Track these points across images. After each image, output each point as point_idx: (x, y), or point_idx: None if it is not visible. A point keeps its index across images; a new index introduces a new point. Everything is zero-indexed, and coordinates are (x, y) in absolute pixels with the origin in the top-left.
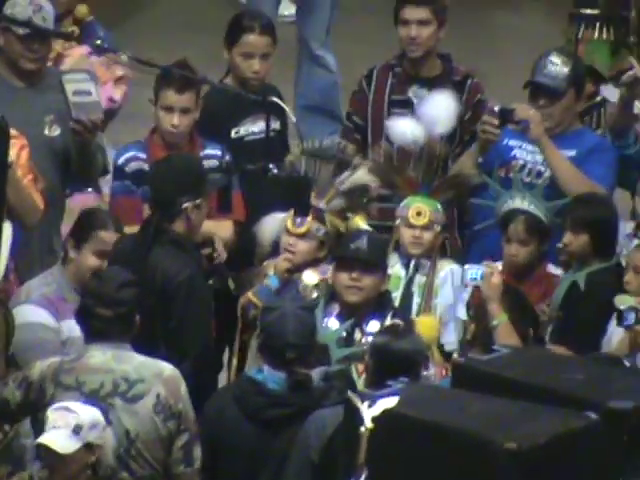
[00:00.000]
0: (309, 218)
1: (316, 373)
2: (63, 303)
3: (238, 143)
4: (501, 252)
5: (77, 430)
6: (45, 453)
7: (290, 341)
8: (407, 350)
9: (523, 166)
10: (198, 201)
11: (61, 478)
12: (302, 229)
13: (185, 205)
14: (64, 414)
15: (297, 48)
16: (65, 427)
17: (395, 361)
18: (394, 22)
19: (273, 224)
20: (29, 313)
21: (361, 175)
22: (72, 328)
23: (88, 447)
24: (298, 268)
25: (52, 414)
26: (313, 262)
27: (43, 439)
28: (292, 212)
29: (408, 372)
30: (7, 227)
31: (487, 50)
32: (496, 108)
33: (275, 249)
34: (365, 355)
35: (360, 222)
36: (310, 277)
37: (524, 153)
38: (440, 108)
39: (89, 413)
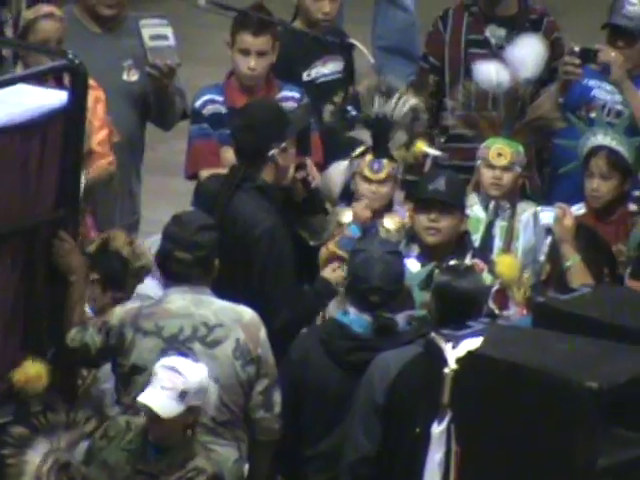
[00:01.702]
0: (385, 161)
1: (401, 317)
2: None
3: (310, 86)
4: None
5: (183, 395)
6: (146, 409)
7: (375, 285)
8: (467, 290)
9: (603, 106)
10: (284, 145)
11: (157, 434)
12: (382, 174)
13: (272, 152)
14: (173, 376)
15: None
16: (172, 389)
17: (456, 300)
18: None
19: (340, 171)
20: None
21: (409, 100)
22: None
23: (189, 410)
24: (375, 212)
25: (161, 372)
26: (389, 203)
27: (146, 398)
28: (367, 158)
29: (469, 312)
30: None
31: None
32: (577, 48)
33: (342, 195)
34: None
35: (423, 147)
36: (390, 222)
37: (603, 93)
38: (529, 53)
39: (198, 377)
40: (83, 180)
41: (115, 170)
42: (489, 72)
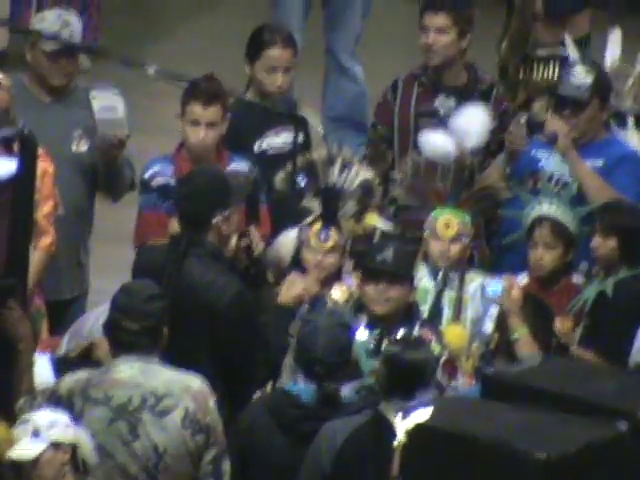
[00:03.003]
0: (332, 231)
1: (348, 387)
2: None
3: (261, 157)
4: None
5: (36, 433)
6: (20, 469)
7: (319, 356)
8: (417, 360)
9: (550, 177)
10: (227, 213)
11: None
12: (329, 243)
13: (215, 220)
14: (22, 427)
15: (325, 60)
16: (24, 436)
17: (405, 371)
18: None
19: (290, 239)
20: None
21: (362, 172)
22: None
23: (56, 447)
24: (323, 282)
25: (15, 433)
26: (338, 272)
27: (10, 456)
28: (315, 227)
29: (418, 382)
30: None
31: None
32: (523, 119)
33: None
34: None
35: (374, 220)
36: (338, 292)
37: (551, 164)
38: (473, 122)
39: (45, 415)
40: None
41: (55, 250)
42: (436, 142)
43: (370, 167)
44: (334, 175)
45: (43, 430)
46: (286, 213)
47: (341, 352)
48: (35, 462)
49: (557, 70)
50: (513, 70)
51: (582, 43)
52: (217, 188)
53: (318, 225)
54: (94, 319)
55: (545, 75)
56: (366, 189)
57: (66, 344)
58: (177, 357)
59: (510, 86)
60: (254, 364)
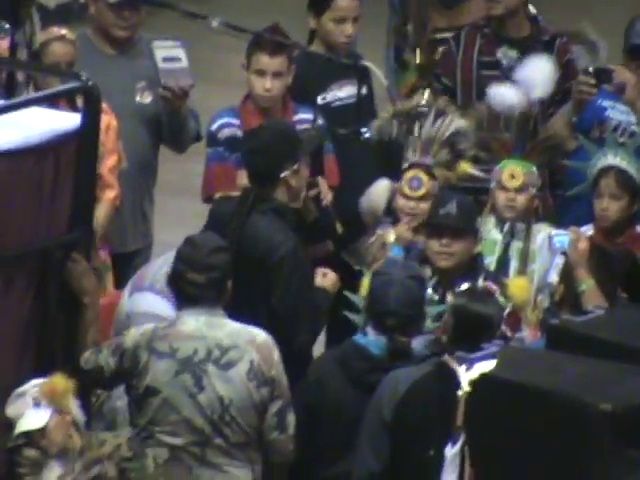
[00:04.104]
0: (423, 177)
1: (418, 341)
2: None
3: (325, 109)
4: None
5: (37, 403)
6: (32, 438)
7: (391, 309)
8: (483, 312)
9: (617, 126)
10: (296, 166)
11: (58, 448)
12: (421, 191)
13: (284, 174)
14: (21, 401)
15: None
16: (26, 408)
17: (470, 322)
18: None
19: (383, 190)
20: (148, 303)
21: (456, 121)
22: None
23: (59, 412)
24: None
25: (13, 409)
26: None
27: (20, 429)
28: (407, 175)
29: (484, 334)
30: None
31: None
32: (591, 68)
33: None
34: (446, 316)
35: (467, 168)
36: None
37: (617, 113)
38: (539, 73)
39: (37, 386)
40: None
41: (120, 203)
42: (501, 95)
43: (464, 116)
44: (428, 122)
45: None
46: (355, 166)
47: (414, 305)
48: (43, 430)
49: None
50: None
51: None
52: (285, 142)
53: (410, 173)
54: (157, 267)
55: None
56: (459, 137)
57: (128, 295)
58: (237, 309)
59: (419, 69)
60: (295, 325)
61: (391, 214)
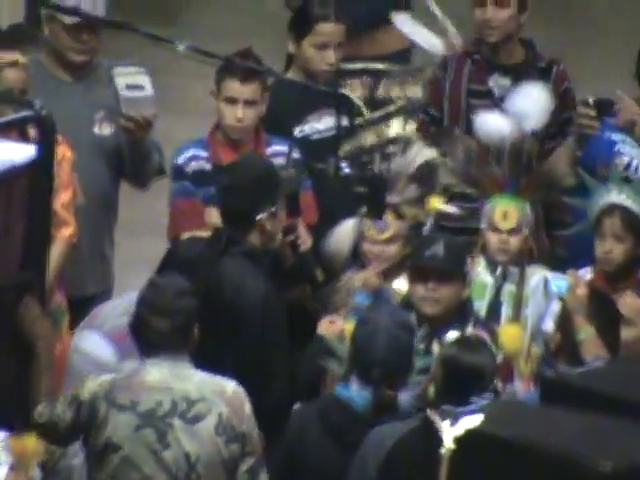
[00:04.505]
0: (390, 218)
1: (406, 395)
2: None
3: (303, 142)
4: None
5: None
6: None
7: (378, 359)
8: (476, 364)
9: (629, 163)
10: (273, 209)
11: None
12: (388, 234)
13: (260, 217)
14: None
15: None
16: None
17: (461, 375)
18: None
19: (347, 231)
20: (91, 344)
21: (424, 152)
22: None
23: (15, 469)
24: (386, 275)
25: None
26: (401, 264)
27: None
28: (368, 217)
29: (475, 387)
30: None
31: (582, 37)
32: (591, 100)
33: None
34: (435, 367)
35: (437, 204)
36: (403, 284)
37: (628, 147)
38: (531, 102)
39: None
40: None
41: (76, 241)
42: (491, 125)
43: (431, 147)
44: (396, 157)
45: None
46: (334, 203)
47: (402, 356)
48: None
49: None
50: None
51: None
52: (264, 182)
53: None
54: (112, 307)
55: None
56: (428, 171)
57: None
58: (204, 360)
59: None
60: (269, 376)
61: (358, 257)
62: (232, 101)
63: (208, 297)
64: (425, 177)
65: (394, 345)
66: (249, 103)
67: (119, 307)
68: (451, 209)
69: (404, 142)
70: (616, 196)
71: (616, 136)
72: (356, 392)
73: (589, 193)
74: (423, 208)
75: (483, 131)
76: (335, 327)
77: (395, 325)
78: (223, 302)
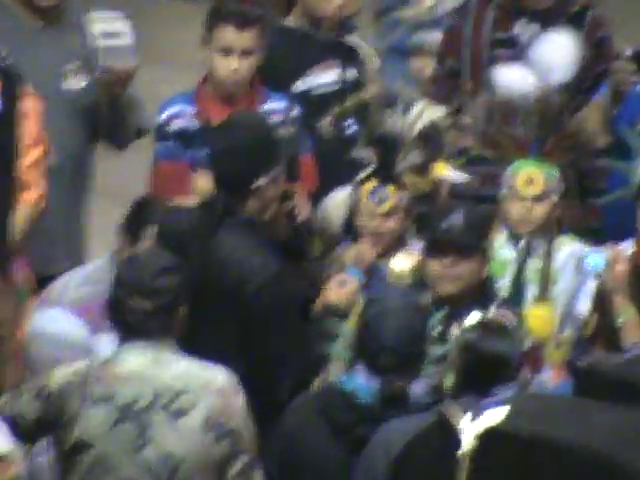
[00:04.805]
0: (388, 189)
1: (418, 385)
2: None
3: (303, 98)
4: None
5: None
6: None
7: (387, 345)
8: (500, 351)
9: None
10: (273, 173)
11: None
12: (386, 206)
13: (258, 183)
14: None
15: None
16: None
17: (483, 363)
18: None
19: (340, 201)
20: (53, 320)
21: (429, 111)
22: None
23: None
24: (383, 251)
25: None
26: (400, 239)
27: None
28: (368, 186)
29: (499, 377)
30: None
31: None
32: (628, 52)
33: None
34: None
35: (443, 170)
36: (402, 262)
37: None
38: (558, 52)
39: None
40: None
41: (45, 206)
42: (512, 79)
43: (438, 105)
44: (394, 118)
45: None
46: (334, 168)
47: (414, 341)
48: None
49: None
50: None
51: None
52: (262, 143)
53: (372, 183)
54: (65, 281)
55: None
56: (433, 133)
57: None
58: (201, 347)
59: None
60: (279, 370)
61: (351, 231)
62: (227, 51)
63: (205, 275)
64: (430, 140)
65: (405, 329)
66: (246, 53)
67: (77, 277)
68: (459, 176)
69: (405, 99)
70: None
71: None
72: (362, 383)
73: (630, 154)
74: (425, 176)
75: (504, 86)
76: (347, 289)
77: (406, 307)
78: (225, 280)
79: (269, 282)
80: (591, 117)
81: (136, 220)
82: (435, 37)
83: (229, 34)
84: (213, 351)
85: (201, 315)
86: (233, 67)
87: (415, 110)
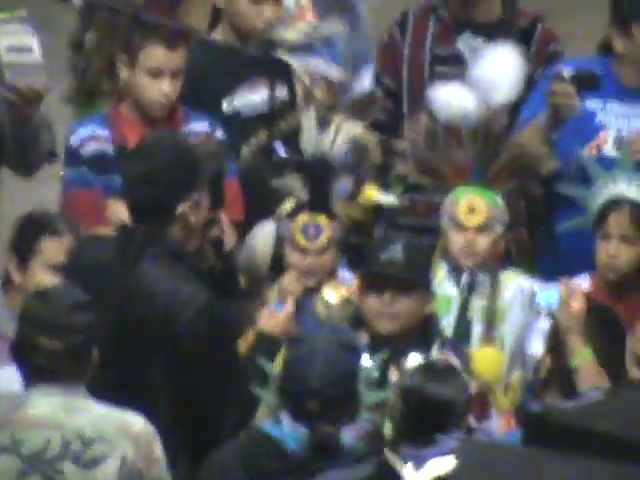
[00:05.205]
0: (323, 222)
1: (349, 432)
2: (1, 342)
3: (231, 119)
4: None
5: None
6: None
7: (313, 388)
8: (441, 396)
9: (617, 138)
10: (196, 197)
11: None
12: (320, 241)
13: (181, 209)
14: None
15: None
16: None
17: (426, 410)
18: None
19: (267, 235)
20: None
21: (348, 129)
22: (11, 378)
23: None
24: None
25: None
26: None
27: None
28: (300, 219)
29: (444, 424)
30: None
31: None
32: (565, 73)
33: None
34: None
35: (373, 194)
36: (332, 295)
37: (610, 117)
38: (501, 69)
39: None
40: None
41: None
42: (452, 98)
43: (356, 119)
44: (319, 138)
45: None
46: (259, 197)
47: (344, 383)
48: None
49: None
50: None
51: None
52: (183, 164)
53: (304, 217)
54: None
55: None
56: (359, 152)
57: None
58: (119, 392)
59: None
60: (223, 404)
61: (276, 266)
62: (156, 73)
63: (126, 311)
64: (355, 162)
65: (334, 370)
66: (176, 74)
67: None
68: (390, 200)
69: (321, 115)
70: (625, 188)
71: (592, 104)
72: (288, 430)
73: (582, 181)
74: (355, 201)
75: (444, 106)
76: (278, 317)
77: (335, 345)
78: (150, 315)
79: (201, 312)
80: (531, 140)
81: (23, 241)
82: (308, 63)
83: (159, 54)
84: (137, 393)
85: (117, 356)
86: (165, 90)
87: (332, 126)
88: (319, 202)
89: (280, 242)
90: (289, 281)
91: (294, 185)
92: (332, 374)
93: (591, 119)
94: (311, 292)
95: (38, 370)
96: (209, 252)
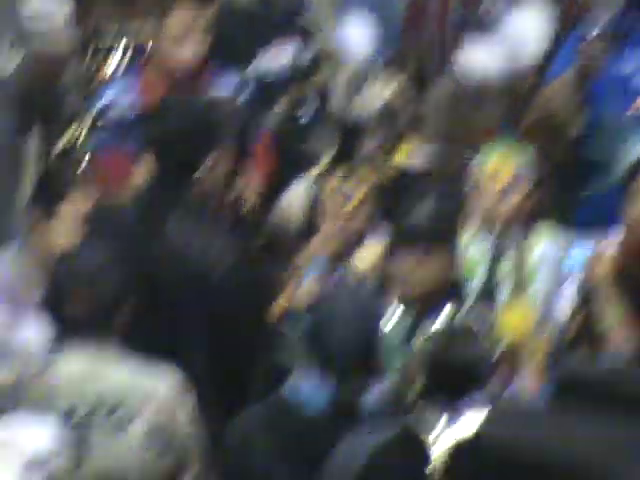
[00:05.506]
0: (354, 185)
1: (372, 393)
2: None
3: (256, 82)
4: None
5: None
6: None
7: (336, 349)
8: (467, 360)
9: None
10: (218, 153)
11: None
12: (352, 204)
13: (203, 167)
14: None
15: None
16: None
17: (449, 374)
18: None
19: (298, 197)
20: None
21: (379, 90)
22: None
23: None
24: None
25: None
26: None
27: None
28: (333, 181)
29: (466, 388)
30: None
31: None
32: (596, 30)
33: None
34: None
35: (404, 156)
36: (362, 259)
37: None
38: (528, 26)
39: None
40: None
41: None
42: (477, 60)
43: (389, 78)
44: (350, 100)
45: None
46: (289, 159)
47: (368, 344)
48: None
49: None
50: None
51: None
52: (202, 124)
53: (334, 181)
54: None
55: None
56: (390, 114)
57: None
58: (155, 349)
59: None
60: (255, 363)
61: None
62: (183, 34)
63: (160, 277)
64: (386, 124)
65: (355, 332)
66: (201, 35)
67: None
68: (420, 161)
69: (355, 78)
70: None
71: (629, 66)
72: (310, 392)
73: (613, 141)
74: (387, 162)
75: (467, 68)
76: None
77: (358, 306)
78: (182, 274)
79: (238, 266)
80: (556, 97)
81: (45, 194)
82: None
83: (186, 15)
84: (171, 344)
85: (150, 314)
86: (193, 48)
87: (367, 89)
88: (348, 163)
89: (312, 204)
90: (317, 243)
91: (323, 147)
92: (354, 336)
93: (628, 81)
94: (340, 256)
95: (66, 329)
96: (228, 213)
